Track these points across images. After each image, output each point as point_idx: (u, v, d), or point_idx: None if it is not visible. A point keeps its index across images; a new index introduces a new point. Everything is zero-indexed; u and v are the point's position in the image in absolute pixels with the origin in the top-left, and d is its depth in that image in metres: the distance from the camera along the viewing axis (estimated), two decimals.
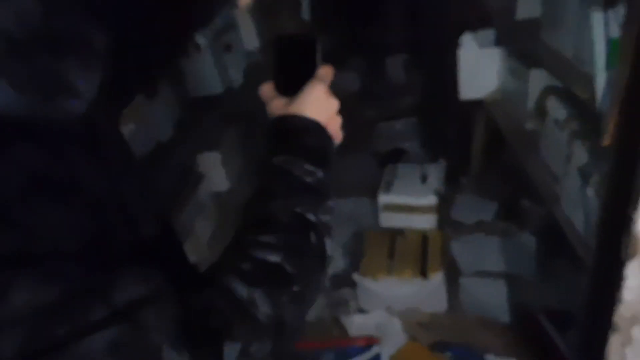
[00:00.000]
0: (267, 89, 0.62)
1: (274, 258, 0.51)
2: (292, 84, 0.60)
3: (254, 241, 0.52)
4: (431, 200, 1.90)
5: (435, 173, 2.02)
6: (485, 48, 1.77)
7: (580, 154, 1.15)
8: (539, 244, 1.77)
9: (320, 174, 0.56)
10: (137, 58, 0.65)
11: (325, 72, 0.61)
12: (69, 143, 0.45)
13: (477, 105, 1.90)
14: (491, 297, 1.66)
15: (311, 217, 0.54)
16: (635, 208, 0.59)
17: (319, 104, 0.59)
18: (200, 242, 1.77)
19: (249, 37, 2.13)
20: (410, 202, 1.91)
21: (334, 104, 0.60)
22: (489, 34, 1.80)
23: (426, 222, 1.91)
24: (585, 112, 1.21)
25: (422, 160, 2.23)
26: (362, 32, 3.26)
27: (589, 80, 1.06)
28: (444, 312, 1.67)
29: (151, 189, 0.64)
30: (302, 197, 0.55)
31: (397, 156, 2.42)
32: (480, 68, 1.78)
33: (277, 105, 0.60)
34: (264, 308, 0.48)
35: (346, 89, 3.08)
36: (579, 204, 1.14)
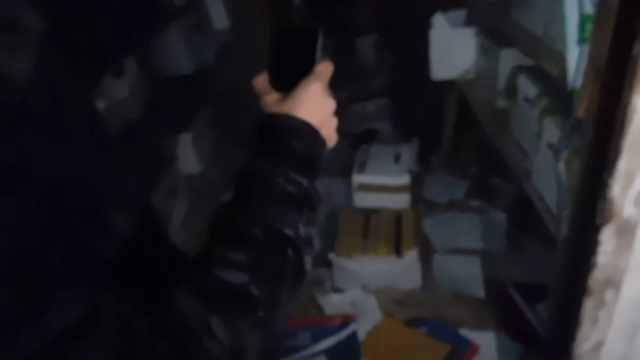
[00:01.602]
0: (261, 81, 0.58)
1: (239, 279, 0.46)
2: (288, 79, 0.57)
3: (220, 257, 0.47)
4: (404, 179, 1.92)
5: (408, 153, 2.04)
6: (457, 28, 1.78)
7: (551, 130, 1.18)
8: (510, 221, 1.82)
9: (305, 182, 0.52)
10: (96, 35, 0.63)
11: (324, 68, 0.57)
12: (15, 128, 0.41)
13: (448, 85, 1.92)
14: (464, 273, 1.70)
15: (289, 232, 0.50)
16: (610, 174, 0.61)
17: (313, 103, 0.55)
18: (173, 226, 1.74)
19: (219, 16, 2.09)
20: (383, 181, 1.93)
21: (330, 104, 0.57)
22: (460, 14, 1.82)
23: (400, 201, 1.93)
24: (555, 88, 1.23)
25: (394, 141, 2.25)
26: (331, 12, 3.23)
27: (559, 57, 1.08)
28: (419, 288, 1.70)
29: (126, 172, 0.61)
30: (282, 210, 0.50)
31: (369, 137, 2.43)
32: (452, 48, 1.79)
33: (269, 101, 0.57)
34: (220, 337, 0.43)
35: None
36: (549, 180, 1.17)
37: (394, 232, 1.81)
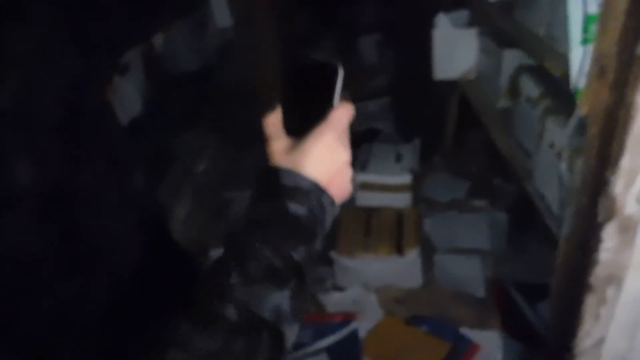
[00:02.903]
0: (272, 122, 0.53)
1: None
2: (302, 120, 0.51)
3: (185, 340, 0.43)
4: (406, 179, 1.92)
5: (410, 152, 2.05)
6: (460, 28, 1.79)
7: (553, 130, 1.18)
8: (511, 220, 1.83)
9: (297, 256, 0.48)
10: (108, 30, 0.63)
11: (342, 114, 0.52)
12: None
13: (451, 84, 1.93)
14: (465, 272, 1.70)
15: (268, 315, 0.45)
16: (612, 172, 0.62)
17: (325, 157, 0.50)
18: (175, 223, 1.75)
19: (222, 14, 2.09)
20: (385, 180, 1.94)
21: (344, 156, 0.52)
22: (463, 14, 1.82)
23: (401, 200, 1.93)
24: (557, 89, 1.24)
25: (396, 140, 2.26)
26: (334, 11, 3.24)
27: (562, 57, 1.09)
28: (420, 287, 1.70)
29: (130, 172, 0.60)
30: (264, 288, 0.46)
31: (371, 136, 2.44)
32: (454, 48, 1.80)
33: (277, 149, 0.52)
34: None
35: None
36: (551, 179, 1.18)
37: (395, 231, 1.82)
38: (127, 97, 1.64)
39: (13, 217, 0.37)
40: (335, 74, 0.51)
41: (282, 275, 0.47)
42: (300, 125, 0.51)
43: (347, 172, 0.53)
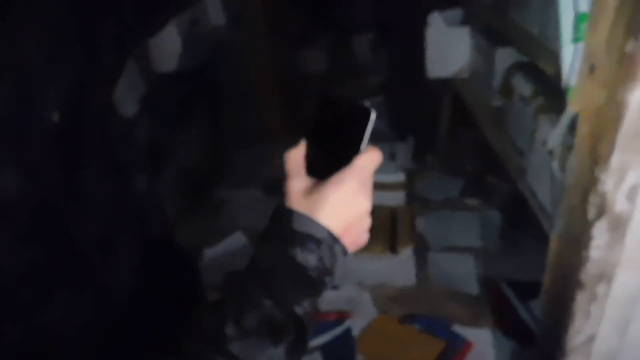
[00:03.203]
0: (294, 159, 0.51)
1: None
2: (325, 162, 0.49)
3: None
4: (399, 177, 1.93)
5: (403, 151, 2.06)
6: (453, 26, 1.79)
7: (545, 128, 1.19)
8: (505, 218, 1.84)
9: (299, 310, 0.45)
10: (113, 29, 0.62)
11: (368, 159, 0.49)
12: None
13: (444, 83, 1.93)
14: (458, 270, 1.71)
15: None
16: (602, 169, 0.62)
17: (343, 205, 0.48)
18: (168, 222, 1.74)
19: (216, 11, 2.09)
20: (378, 179, 1.92)
21: (364, 205, 0.50)
22: (456, 12, 1.83)
23: (395, 198, 1.94)
24: (550, 87, 1.25)
25: (390, 139, 2.26)
26: (328, 10, 3.24)
27: (554, 56, 1.09)
28: (413, 285, 1.70)
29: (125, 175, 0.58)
30: (259, 344, 0.43)
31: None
32: (447, 46, 1.80)
33: (294, 189, 0.49)
34: None
35: (313, 68, 3.07)
36: (544, 178, 1.18)
37: (389, 230, 1.82)
38: (121, 97, 1.63)
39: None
40: (367, 118, 0.49)
41: (280, 330, 0.44)
42: (323, 167, 0.50)
43: (366, 222, 0.51)
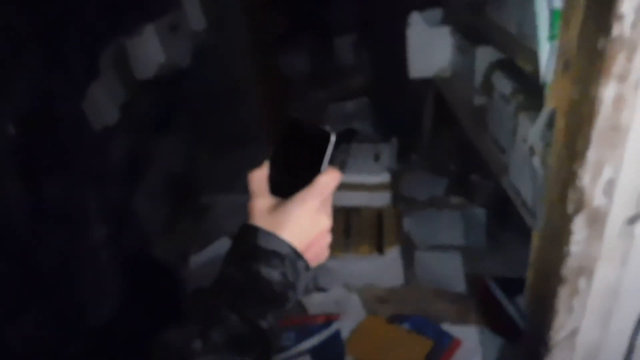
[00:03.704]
0: (257, 178, 0.53)
1: None
2: (288, 182, 0.52)
3: None
4: (384, 177, 1.93)
5: (388, 151, 2.06)
6: (434, 27, 1.80)
7: (526, 126, 1.20)
8: (490, 216, 1.85)
9: (264, 324, 0.47)
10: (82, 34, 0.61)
11: (328, 180, 0.52)
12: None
13: (426, 83, 1.94)
14: (445, 268, 1.72)
15: None
16: (579, 164, 0.63)
17: (305, 222, 0.51)
18: (152, 229, 1.73)
19: (196, 16, 2.08)
20: (364, 180, 1.94)
21: (325, 223, 0.52)
22: (436, 12, 1.84)
23: (380, 199, 1.94)
24: (529, 84, 1.26)
25: (374, 140, 2.27)
26: (309, 12, 3.24)
27: (532, 54, 1.10)
28: (401, 285, 1.71)
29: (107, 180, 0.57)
30: (229, 358, 0.44)
31: (349, 136, 2.44)
32: (429, 46, 1.81)
33: (258, 207, 0.52)
34: None
35: (296, 71, 3.07)
36: (525, 174, 1.19)
37: (375, 230, 1.82)
38: (100, 103, 1.61)
39: None
40: (327, 141, 0.52)
41: (246, 344, 0.45)
42: (286, 187, 0.52)
43: (327, 239, 0.54)
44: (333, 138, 0.52)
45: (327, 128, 0.52)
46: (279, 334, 0.46)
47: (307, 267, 0.51)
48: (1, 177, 0.37)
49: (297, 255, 0.50)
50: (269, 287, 0.48)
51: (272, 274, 0.48)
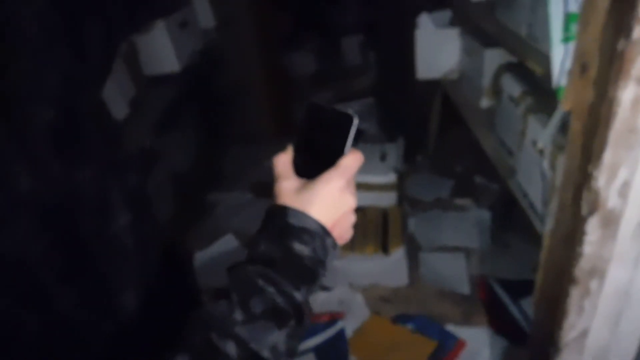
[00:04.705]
0: (282, 162, 0.55)
1: None
2: (312, 164, 0.53)
3: None
4: (391, 178, 1.93)
5: (394, 152, 2.06)
6: (442, 28, 1.81)
7: (535, 128, 1.20)
8: (495, 218, 1.85)
9: (299, 296, 0.48)
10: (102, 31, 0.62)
11: (351, 162, 0.53)
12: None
13: (434, 84, 1.94)
14: (450, 270, 1.72)
15: (266, 354, 0.46)
16: (595, 166, 0.63)
17: (331, 201, 0.52)
18: (160, 226, 1.73)
19: (205, 14, 2.08)
20: (370, 180, 1.94)
21: (350, 202, 0.53)
22: (445, 14, 1.84)
23: (386, 199, 1.94)
24: (539, 87, 1.26)
25: (380, 140, 2.27)
26: (317, 12, 3.25)
27: (543, 56, 1.11)
28: (405, 285, 1.71)
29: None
30: (264, 326, 0.46)
31: (356, 136, 2.45)
32: (437, 48, 1.82)
33: (285, 188, 0.53)
34: None
35: (303, 71, 3.08)
36: (534, 177, 1.19)
37: (380, 230, 1.83)
38: (111, 97, 1.62)
39: (14, 227, 0.36)
40: (350, 123, 0.53)
41: (283, 314, 0.47)
42: (311, 168, 0.53)
43: (351, 218, 0.55)
44: (356, 120, 0.53)
45: (350, 111, 0.53)
46: (310, 310, 0.47)
47: (334, 245, 0.53)
48: (41, 159, 0.38)
49: (325, 232, 0.51)
50: (301, 262, 0.49)
51: (304, 249, 0.49)
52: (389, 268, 1.73)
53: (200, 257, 1.88)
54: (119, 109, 1.66)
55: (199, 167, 2.10)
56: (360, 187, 1.96)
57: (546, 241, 0.82)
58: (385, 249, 1.74)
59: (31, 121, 0.41)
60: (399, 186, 1.97)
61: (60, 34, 0.45)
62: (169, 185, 1.88)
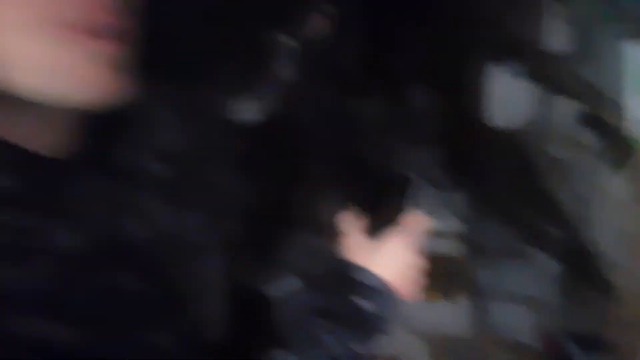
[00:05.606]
0: (347, 218, 0.54)
1: None
2: (376, 221, 0.54)
3: None
4: (455, 224, 1.92)
5: (459, 198, 2.05)
6: (514, 78, 1.81)
7: (610, 179, 1.18)
8: (564, 269, 1.78)
9: (364, 348, 0.50)
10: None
11: (417, 221, 0.55)
12: None
13: (502, 132, 1.94)
14: (515, 320, 1.66)
15: None
16: None
17: (396, 258, 0.55)
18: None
19: None
20: (434, 226, 1.93)
21: (412, 260, 0.56)
22: (517, 64, 1.85)
23: (451, 245, 1.92)
24: (614, 137, 1.24)
25: (445, 186, 2.26)
26: (377, 57, 3.31)
27: (618, 107, 1.10)
28: (467, 334, 1.67)
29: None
30: None
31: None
32: (509, 97, 1.82)
33: (350, 243, 0.53)
34: None
35: (367, 118, 3.14)
36: (609, 229, 1.17)
37: (443, 277, 1.80)
38: None
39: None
40: (407, 182, 0.54)
41: None
42: (375, 225, 0.54)
43: (414, 276, 0.57)
44: (413, 179, 0.54)
45: (407, 173, 0.53)
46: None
47: (397, 303, 0.55)
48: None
49: (389, 290, 0.54)
50: (364, 318, 0.51)
51: (367, 306, 0.51)
52: (451, 316, 1.70)
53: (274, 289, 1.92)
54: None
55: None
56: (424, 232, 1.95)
57: (622, 296, 0.80)
58: (447, 296, 1.71)
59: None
60: (464, 233, 1.95)
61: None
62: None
